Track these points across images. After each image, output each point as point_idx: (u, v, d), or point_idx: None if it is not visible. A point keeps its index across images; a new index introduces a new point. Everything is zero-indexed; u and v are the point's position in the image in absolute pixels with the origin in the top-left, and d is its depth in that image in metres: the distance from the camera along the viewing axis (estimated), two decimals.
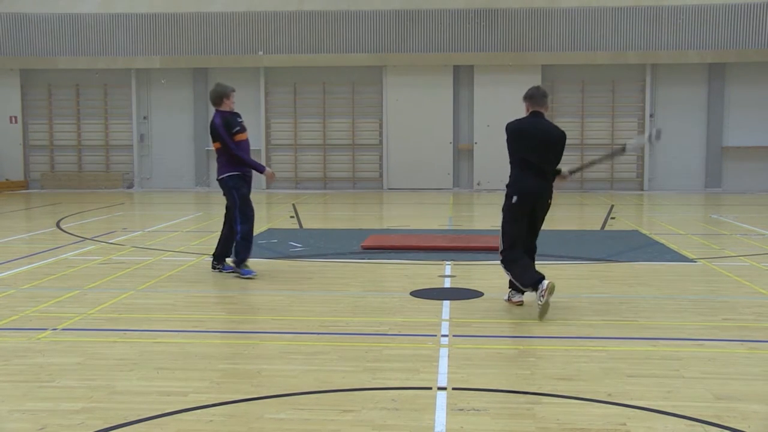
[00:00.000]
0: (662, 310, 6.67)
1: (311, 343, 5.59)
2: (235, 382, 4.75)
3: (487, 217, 14.18)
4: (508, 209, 6.62)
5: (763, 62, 20.51)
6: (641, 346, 5.51)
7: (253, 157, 8.54)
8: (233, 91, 8.32)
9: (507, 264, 6.64)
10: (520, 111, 6.81)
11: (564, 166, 6.80)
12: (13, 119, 22.30)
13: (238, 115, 8.29)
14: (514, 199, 6.57)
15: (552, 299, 6.45)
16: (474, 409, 4.21)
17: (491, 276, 7.97)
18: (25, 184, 22.36)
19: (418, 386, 4.60)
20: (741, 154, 20.97)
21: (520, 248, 6.62)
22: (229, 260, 8.37)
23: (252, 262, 8.48)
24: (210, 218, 13.95)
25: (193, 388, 4.59)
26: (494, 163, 20.05)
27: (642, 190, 21.11)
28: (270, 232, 11.92)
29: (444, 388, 4.55)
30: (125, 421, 4.04)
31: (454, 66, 21.28)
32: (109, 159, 22.55)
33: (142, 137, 22.29)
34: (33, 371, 4.91)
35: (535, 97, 6.69)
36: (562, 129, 6.83)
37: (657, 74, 21.00)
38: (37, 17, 21.88)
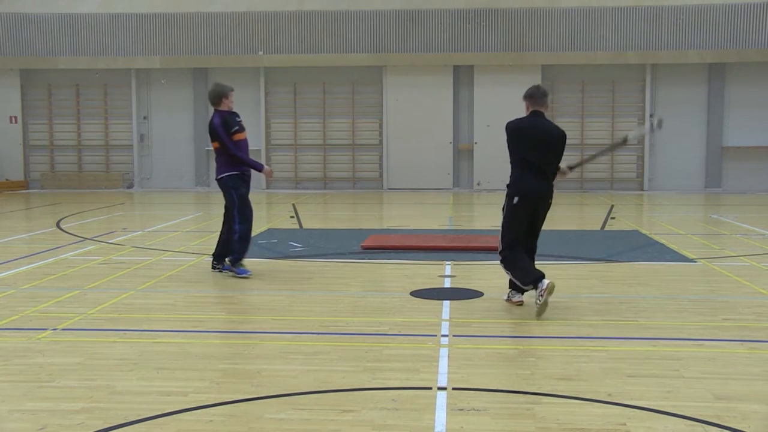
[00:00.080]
0: (662, 310, 6.67)
1: (311, 343, 5.59)
2: (235, 382, 4.75)
3: (487, 217, 14.18)
4: (509, 209, 6.61)
5: (763, 62, 20.52)
6: (641, 346, 5.51)
7: (253, 157, 8.54)
8: (232, 90, 8.33)
9: (507, 263, 6.63)
10: (520, 111, 6.80)
11: (563, 162, 6.79)
12: (13, 119, 22.30)
13: (236, 114, 8.29)
14: (515, 199, 6.55)
15: (552, 299, 6.45)
16: (474, 409, 4.21)
17: (491, 276, 7.96)
18: (25, 184, 22.36)
19: (418, 386, 4.60)
20: (741, 154, 20.97)
21: (519, 248, 6.62)
22: (227, 259, 8.37)
23: (252, 262, 8.49)
24: (210, 218, 13.95)
25: (193, 388, 4.59)
26: (494, 163, 20.05)
27: (642, 190, 21.11)
28: (270, 232, 11.92)
29: (444, 388, 4.55)
30: (125, 421, 4.04)
31: (454, 66, 21.28)
32: (109, 159, 22.55)
33: (142, 137, 22.29)
34: (33, 371, 4.91)
35: (535, 96, 6.67)
36: (562, 128, 6.82)
37: (657, 74, 21.00)
38: (37, 17, 21.88)
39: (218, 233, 8.61)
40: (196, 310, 6.80)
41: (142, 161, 22.41)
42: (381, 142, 21.75)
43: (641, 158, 21.27)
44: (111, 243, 10.75)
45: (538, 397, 4.40)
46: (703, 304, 6.97)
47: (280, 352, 5.34)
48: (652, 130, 6.99)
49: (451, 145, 21.46)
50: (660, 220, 13.92)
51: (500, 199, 6.87)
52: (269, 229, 12.39)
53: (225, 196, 8.30)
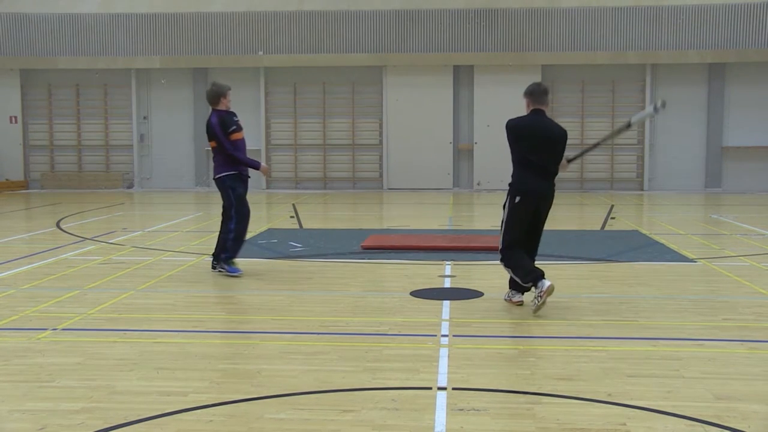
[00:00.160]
0: (662, 310, 6.67)
1: (311, 343, 5.59)
2: (235, 382, 4.75)
3: (487, 217, 14.17)
4: (510, 208, 6.57)
5: (763, 62, 20.51)
6: (641, 346, 5.51)
7: (253, 156, 8.55)
8: (229, 89, 8.34)
9: (507, 262, 6.63)
10: (521, 111, 6.79)
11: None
12: (13, 119, 22.30)
13: (234, 114, 8.31)
14: (517, 198, 6.52)
15: (552, 299, 6.47)
16: (474, 409, 4.21)
17: (491, 276, 7.97)
18: (25, 184, 22.36)
19: (418, 386, 4.60)
20: (741, 154, 20.97)
21: (519, 247, 6.61)
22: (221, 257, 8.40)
23: (252, 262, 8.49)
24: (210, 218, 13.95)
25: (193, 388, 4.59)
26: (494, 163, 20.08)
27: (642, 190, 21.11)
28: (270, 232, 11.92)
29: (444, 388, 4.55)
30: (125, 421, 4.04)
31: (454, 66, 21.28)
32: (109, 159, 22.55)
33: (142, 137, 22.29)
34: (33, 371, 4.91)
35: (535, 93, 6.63)
36: (563, 127, 6.80)
37: (657, 74, 20.99)
38: (37, 17, 21.88)
39: (218, 233, 8.61)
40: (196, 310, 6.80)
41: (142, 161, 22.41)
42: (381, 142, 21.75)
43: (641, 158, 21.27)
44: (111, 243, 10.75)
45: (538, 397, 4.40)
46: (703, 304, 6.97)
47: (280, 352, 5.34)
48: (656, 110, 6.90)
49: (451, 145, 21.46)
50: (660, 220, 13.92)
51: (500, 199, 6.87)
52: (269, 229, 12.39)
53: (222, 195, 8.32)
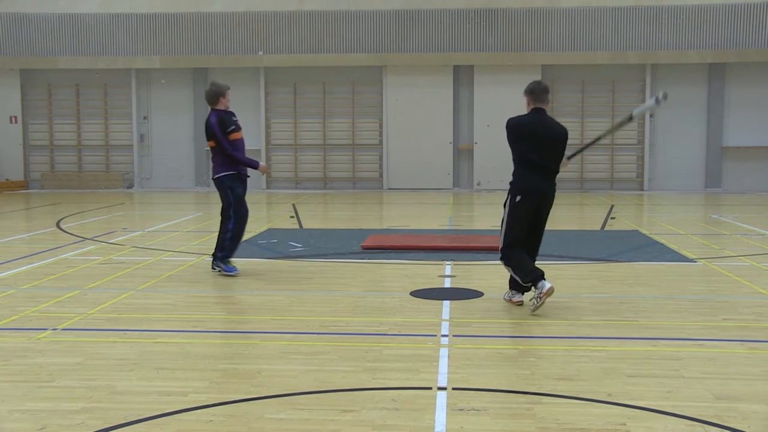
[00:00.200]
0: (662, 310, 6.66)
1: (311, 343, 5.59)
2: (235, 382, 4.75)
3: (487, 217, 14.17)
4: (510, 207, 6.55)
5: (763, 62, 20.51)
6: (641, 346, 5.51)
7: (253, 157, 8.55)
8: (228, 89, 8.35)
9: (507, 261, 6.62)
10: (521, 111, 6.77)
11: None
12: (13, 119, 22.30)
13: (233, 114, 8.31)
14: (518, 197, 6.50)
15: (552, 299, 6.47)
16: (474, 409, 4.21)
17: (491, 276, 7.97)
18: (25, 184, 22.36)
19: (418, 386, 4.60)
20: (741, 154, 20.97)
21: (520, 246, 6.60)
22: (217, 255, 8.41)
23: (252, 262, 8.49)
24: (210, 218, 13.95)
25: (193, 388, 4.59)
26: (494, 163, 20.10)
27: (642, 190, 21.11)
28: (270, 232, 11.92)
29: (444, 388, 4.55)
30: (125, 421, 4.04)
31: (454, 66, 21.27)
32: (109, 159, 22.55)
33: (142, 137, 22.29)
34: (33, 371, 4.91)
35: (535, 91, 6.60)
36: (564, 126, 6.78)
37: (657, 74, 20.99)
38: (37, 17, 21.88)
39: (218, 233, 8.61)
40: (196, 310, 6.80)
41: (142, 161, 22.41)
42: (381, 142, 21.75)
43: (641, 158, 21.27)
44: (111, 243, 10.75)
45: (538, 397, 4.40)
46: (703, 304, 6.97)
47: (280, 352, 5.34)
48: (657, 102, 6.86)
49: (451, 145, 21.46)
50: (660, 220, 13.92)
51: (500, 199, 6.87)
52: (269, 229, 12.39)
53: (221, 195, 8.32)
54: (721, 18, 20.51)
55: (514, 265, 6.56)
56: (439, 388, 4.55)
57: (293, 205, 16.99)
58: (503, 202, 6.68)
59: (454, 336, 5.75)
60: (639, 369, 4.94)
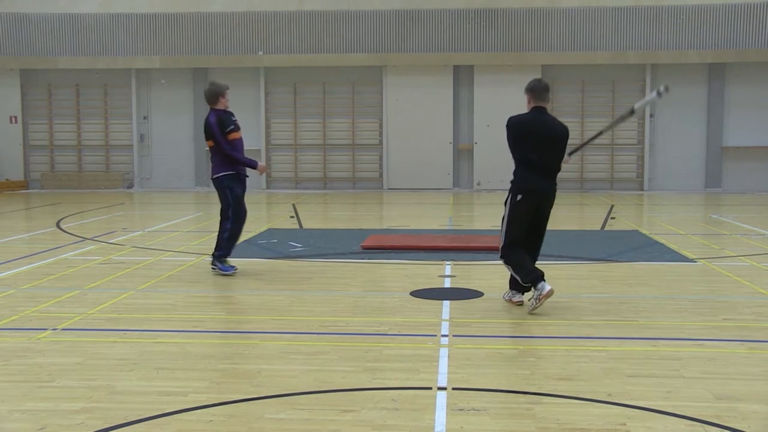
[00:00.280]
0: (662, 310, 6.66)
1: (311, 343, 5.59)
2: (235, 382, 4.75)
3: (487, 217, 14.17)
4: (511, 206, 6.52)
5: (763, 62, 20.51)
6: (641, 346, 5.51)
7: (253, 157, 8.55)
8: (227, 89, 8.35)
9: (507, 260, 6.61)
10: (521, 111, 6.74)
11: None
12: (13, 119, 22.30)
13: (232, 113, 8.31)
14: (519, 197, 6.48)
15: (552, 299, 6.46)
16: (474, 409, 4.21)
17: (491, 276, 7.97)
18: (25, 184, 22.36)
19: (418, 386, 4.60)
20: (741, 154, 20.97)
21: (521, 246, 6.59)
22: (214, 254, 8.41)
23: (252, 262, 8.49)
24: (210, 218, 13.95)
25: (193, 388, 4.59)
26: (494, 163, 20.09)
27: (642, 190, 21.11)
28: (270, 232, 11.92)
29: (444, 388, 4.55)
30: (125, 421, 4.04)
31: (454, 66, 21.28)
32: (109, 159, 22.55)
33: (142, 137, 22.29)
34: (33, 371, 4.91)
35: (536, 90, 6.55)
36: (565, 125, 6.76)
37: (657, 74, 20.99)
38: (37, 17, 21.88)
39: (217, 233, 8.62)
40: (196, 310, 6.80)
41: (142, 161, 22.41)
42: (381, 142, 21.75)
43: (641, 158, 21.27)
44: (111, 243, 10.75)
45: (538, 397, 4.40)
46: (703, 304, 6.97)
47: (280, 352, 5.34)
48: (659, 95, 6.85)
49: (451, 145, 21.46)
50: (660, 220, 13.92)
51: (500, 199, 6.86)
52: (269, 229, 12.39)
53: (220, 195, 8.32)
54: (721, 18, 20.51)
55: (514, 265, 6.56)
56: (439, 388, 4.55)
57: (293, 205, 16.99)
58: (504, 201, 6.67)
59: (454, 336, 5.75)
60: (639, 369, 4.94)
